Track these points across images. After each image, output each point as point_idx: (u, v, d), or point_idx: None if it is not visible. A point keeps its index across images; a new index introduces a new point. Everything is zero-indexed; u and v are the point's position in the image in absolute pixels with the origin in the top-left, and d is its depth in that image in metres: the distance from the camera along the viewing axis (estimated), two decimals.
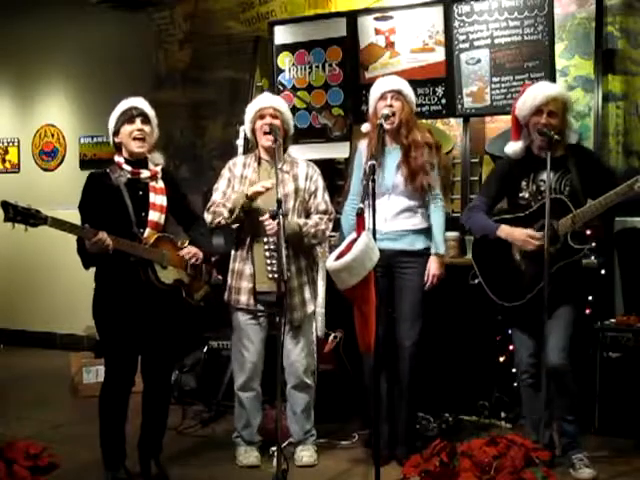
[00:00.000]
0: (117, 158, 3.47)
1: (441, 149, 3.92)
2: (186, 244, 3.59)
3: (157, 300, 3.43)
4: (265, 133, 3.74)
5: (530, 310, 3.48)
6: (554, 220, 3.41)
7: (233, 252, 3.85)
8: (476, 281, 3.67)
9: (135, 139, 3.41)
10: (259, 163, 3.84)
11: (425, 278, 3.73)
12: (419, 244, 3.77)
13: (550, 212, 3.32)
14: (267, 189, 3.59)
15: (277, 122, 3.75)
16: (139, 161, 3.47)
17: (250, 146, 4.11)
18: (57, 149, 7.05)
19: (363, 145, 3.86)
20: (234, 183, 3.82)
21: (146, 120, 3.45)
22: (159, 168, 3.53)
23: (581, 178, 3.49)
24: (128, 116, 3.42)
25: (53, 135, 7.07)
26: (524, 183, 3.58)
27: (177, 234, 3.64)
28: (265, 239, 3.66)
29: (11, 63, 7.16)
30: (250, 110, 3.84)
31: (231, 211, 3.67)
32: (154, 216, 3.44)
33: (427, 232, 3.80)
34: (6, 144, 7.35)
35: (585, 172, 3.50)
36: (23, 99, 7.21)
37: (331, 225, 3.88)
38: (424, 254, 3.77)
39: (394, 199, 3.75)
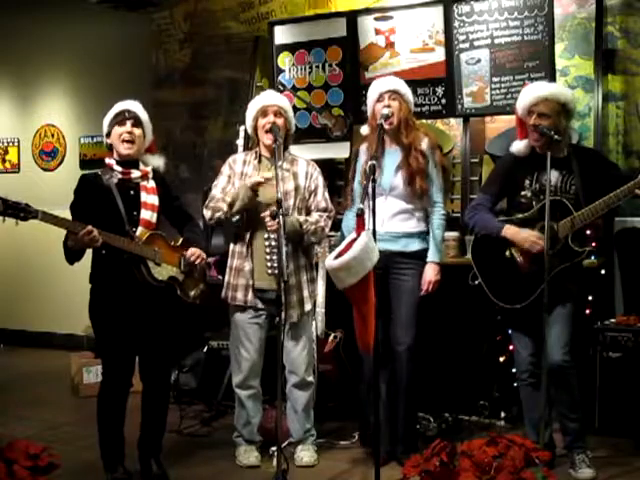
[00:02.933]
0: (108, 160, 3.50)
1: (441, 150, 3.91)
2: (179, 242, 3.60)
3: (152, 299, 3.44)
4: (267, 131, 3.74)
5: (530, 311, 3.48)
6: (554, 222, 3.40)
7: (232, 248, 3.84)
8: (476, 282, 3.67)
9: (124, 141, 3.44)
10: (259, 161, 3.83)
11: (421, 285, 3.73)
12: (414, 246, 3.77)
13: (550, 214, 3.31)
14: (267, 179, 3.58)
15: (280, 121, 3.75)
16: (130, 162, 3.49)
17: (250, 145, 4.11)
18: (57, 149, 7.05)
19: (363, 149, 3.86)
20: (234, 180, 3.81)
21: (137, 123, 3.47)
22: (149, 168, 3.55)
23: (585, 179, 3.47)
24: (120, 118, 3.45)
25: (53, 135, 7.07)
26: (527, 181, 3.57)
27: (170, 235, 3.64)
28: (266, 235, 3.65)
29: (11, 63, 7.17)
30: (253, 107, 3.83)
31: (231, 205, 3.67)
32: (146, 214, 3.46)
33: (423, 235, 3.80)
34: (6, 144, 7.35)
35: (589, 171, 3.48)
36: (23, 99, 7.22)
37: (330, 223, 3.88)
38: (420, 256, 3.76)
39: (391, 201, 3.75)
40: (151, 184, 3.53)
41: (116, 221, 3.36)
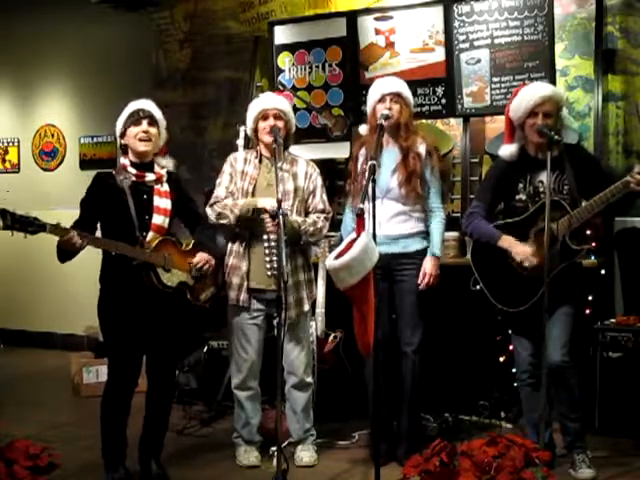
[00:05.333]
0: (123, 160, 3.48)
1: (439, 154, 3.90)
2: (190, 246, 3.59)
3: (161, 301, 3.43)
4: (268, 133, 3.73)
5: (530, 312, 3.47)
6: (552, 222, 3.40)
7: (230, 247, 3.84)
8: (477, 287, 3.66)
9: (141, 140, 3.42)
10: (260, 160, 3.83)
11: (420, 278, 3.72)
12: (414, 246, 3.76)
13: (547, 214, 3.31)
14: (273, 207, 3.57)
15: (281, 124, 3.75)
16: (144, 164, 3.48)
17: (250, 145, 4.11)
18: (57, 149, 7.05)
19: (362, 152, 3.84)
20: (236, 179, 3.82)
21: (153, 122, 3.46)
22: (164, 171, 3.53)
23: (577, 178, 3.48)
24: (135, 118, 3.44)
25: (53, 135, 7.07)
26: (521, 185, 3.57)
27: (182, 236, 3.64)
28: (265, 236, 3.66)
29: (11, 63, 7.17)
30: (253, 110, 3.82)
31: (238, 218, 3.69)
32: (158, 219, 3.44)
33: (422, 234, 3.79)
34: (6, 144, 7.35)
35: (581, 172, 3.49)
36: (23, 99, 7.22)
37: (328, 224, 3.88)
38: (421, 254, 3.76)
39: (388, 203, 3.73)
40: (165, 188, 3.51)
41: (127, 225, 3.35)
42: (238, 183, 3.80)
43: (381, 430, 3.62)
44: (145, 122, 3.43)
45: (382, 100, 3.73)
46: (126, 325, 3.37)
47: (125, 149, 3.49)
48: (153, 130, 3.45)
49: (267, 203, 3.61)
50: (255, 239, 3.73)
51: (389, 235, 3.72)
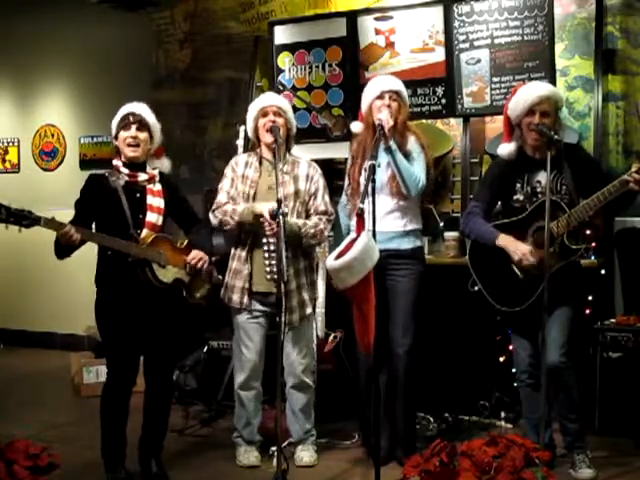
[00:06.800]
0: (115, 162, 3.51)
1: (430, 152, 3.88)
2: (185, 244, 3.60)
3: (158, 300, 3.45)
4: (267, 130, 3.74)
5: (529, 312, 3.47)
6: (551, 222, 3.40)
7: (233, 251, 3.84)
8: (476, 288, 3.65)
9: (129, 145, 3.45)
10: (260, 162, 3.83)
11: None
12: (407, 244, 3.76)
13: (544, 214, 3.31)
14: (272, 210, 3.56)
15: (280, 120, 3.75)
16: (137, 165, 3.49)
17: (250, 146, 4.11)
18: (57, 149, 7.05)
19: (360, 152, 3.83)
20: (237, 183, 3.82)
21: (142, 127, 3.47)
22: (156, 171, 3.55)
23: (575, 178, 3.48)
24: (125, 123, 3.46)
25: (53, 135, 7.07)
26: (518, 185, 3.57)
27: (176, 236, 3.64)
28: (265, 240, 3.66)
29: (11, 63, 7.17)
30: (253, 109, 3.83)
31: (239, 224, 3.69)
32: (151, 217, 3.47)
33: (416, 233, 3.81)
34: (6, 144, 7.35)
35: (580, 172, 3.49)
36: (23, 99, 7.21)
37: (330, 226, 3.88)
38: (413, 255, 3.76)
39: (383, 199, 3.71)
40: (157, 187, 3.53)
41: (121, 223, 3.36)
42: (239, 187, 3.80)
43: (369, 428, 3.60)
44: (134, 127, 3.45)
45: (381, 97, 3.72)
46: (123, 324, 3.39)
47: (118, 150, 3.52)
48: (142, 135, 3.46)
49: (265, 208, 3.59)
50: (257, 243, 3.73)
51: (384, 231, 3.68)
